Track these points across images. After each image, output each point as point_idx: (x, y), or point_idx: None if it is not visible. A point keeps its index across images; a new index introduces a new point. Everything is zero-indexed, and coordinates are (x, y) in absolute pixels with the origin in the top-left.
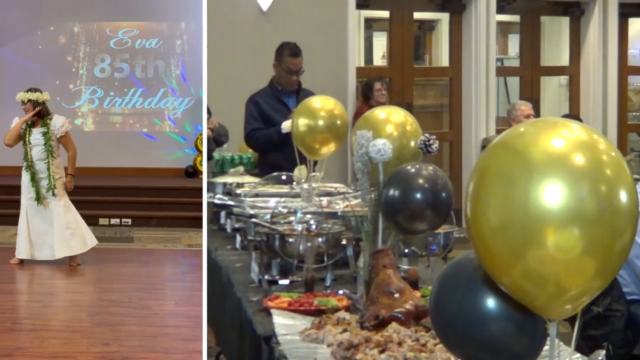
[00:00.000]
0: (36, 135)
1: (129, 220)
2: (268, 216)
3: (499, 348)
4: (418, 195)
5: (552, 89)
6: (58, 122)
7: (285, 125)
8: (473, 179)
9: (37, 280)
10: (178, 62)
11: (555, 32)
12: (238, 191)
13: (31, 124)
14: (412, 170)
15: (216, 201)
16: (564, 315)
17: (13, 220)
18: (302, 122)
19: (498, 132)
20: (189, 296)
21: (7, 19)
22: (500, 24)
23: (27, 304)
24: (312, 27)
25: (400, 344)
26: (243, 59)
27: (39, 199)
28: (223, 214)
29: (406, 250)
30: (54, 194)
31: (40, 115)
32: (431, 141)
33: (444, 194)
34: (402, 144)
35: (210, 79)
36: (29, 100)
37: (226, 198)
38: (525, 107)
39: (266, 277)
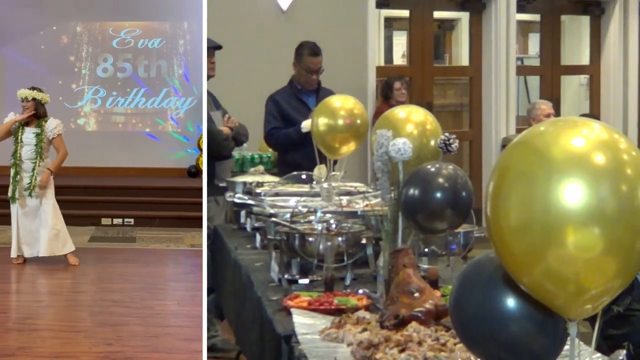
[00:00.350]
0: (29, 135)
1: (132, 220)
2: (288, 215)
3: (519, 347)
4: (438, 195)
5: (573, 88)
6: (52, 124)
7: (305, 125)
8: (493, 178)
9: (39, 280)
10: (181, 62)
11: (576, 31)
12: (258, 190)
13: (25, 123)
14: (432, 169)
15: (236, 200)
16: (584, 315)
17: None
18: (322, 122)
19: (518, 131)
20: (192, 296)
21: (9, 18)
22: (520, 23)
23: (29, 304)
24: (332, 27)
25: (420, 343)
26: (263, 58)
27: (13, 197)
28: (243, 213)
29: (426, 250)
30: (30, 195)
31: (38, 115)
32: (451, 140)
33: (464, 193)
34: (422, 143)
35: (230, 77)
36: (33, 99)
37: (246, 197)
38: (546, 107)
39: (286, 276)
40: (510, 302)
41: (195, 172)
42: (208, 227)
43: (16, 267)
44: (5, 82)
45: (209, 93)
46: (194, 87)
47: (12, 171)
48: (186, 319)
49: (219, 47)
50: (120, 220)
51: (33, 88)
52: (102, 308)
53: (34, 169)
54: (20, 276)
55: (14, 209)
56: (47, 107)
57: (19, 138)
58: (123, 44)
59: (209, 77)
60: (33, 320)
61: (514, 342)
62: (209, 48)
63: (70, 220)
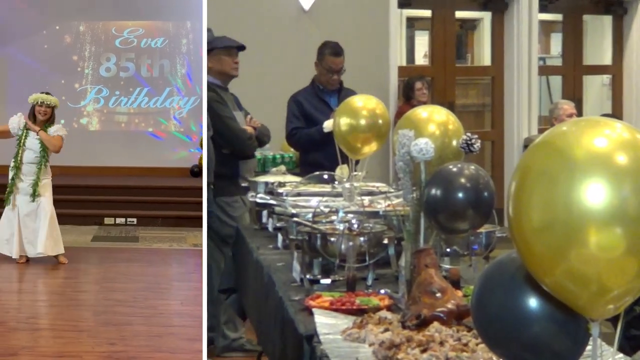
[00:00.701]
0: (32, 140)
1: (134, 220)
2: (310, 215)
3: (541, 348)
4: (460, 195)
5: (595, 88)
6: (53, 128)
7: (327, 125)
8: (515, 178)
9: (42, 280)
10: (184, 62)
11: (598, 31)
12: (280, 190)
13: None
14: (454, 169)
15: (258, 200)
16: (607, 315)
17: None
18: (344, 122)
19: (540, 131)
20: (195, 296)
21: (12, 17)
22: (542, 23)
23: (33, 303)
24: (353, 26)
25: (442, 343)
26: (285, 58)
27: (8, 199)
28: (265, 213)
29: (448, 250)
30: (33, 200)
31: (47, 121)
32: (473, 140)
33: (486, 194)
34: (444, 143)
35: (252, 77)
36: (54, 106)
37: (268, 197)
38: (568, 107)
39: (308, 276)
40: (532, 302)
41: (198, 171)
42: (232, 227)
43: (19, 266)
44: (8, 81)
45: (231, 93)
46: (196, 87)
47: (11, 173)
48: (189, 319)
49: (243, 48)
50: (123, 220)
51: (46, 93)
52: (105, 308)
53: (37, 175)
54: (23, 276)
55: (11, 210)
56: None
57: (23, 142)
58: (126, 44)
59: (232, 77)
60: (36, 319)
61: (536, 343)
62: (232, 48)
63: (73, 219)
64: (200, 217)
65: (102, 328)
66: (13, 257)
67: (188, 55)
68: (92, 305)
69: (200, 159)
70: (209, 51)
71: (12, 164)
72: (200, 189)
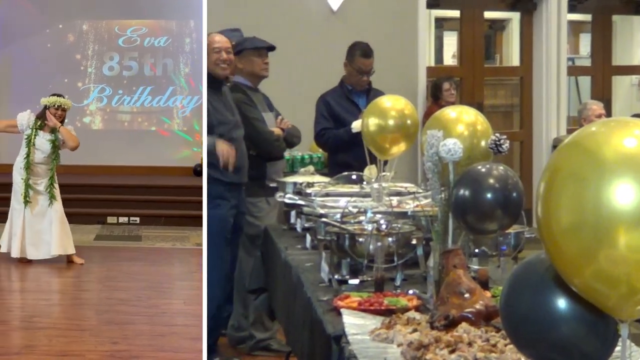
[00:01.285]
0: (42, 140)
1: (137, 219)
2: (338, 216)
3: (569, 349)
4: (489, 195)
5: (624, 88)
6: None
7: (356, 125)
8: (544, 179)
9: (44, 279)
10: (187, 60)
11: (627, 31)
12: (308, 191)
13: (40, 126)
14: (483, 170)
15: (286, 200)
16: (636, 316)
17: None
18: (373, 122)
19: (569, 132)
20: (198, 295)
21: (16, 17)
22: (571, 23)
23: (35, 302)
24: (382, 27)
25: (470, 344)
26: (313, 59)
27: (26, 201)
28: (293, 213)
29: (476, 250)
30: (51, 203)
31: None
32: (502, 141)
33: (514, 194)
34: (472, 144)
35: (280, 78)
36: (64, 108)
37: (296, 197)
38: (597, 107)
39: (336, 276)
40: (561, 303)
41: (201, 170)
42: (258, 227)
43: (22, 266)
44: (12, 80)
45: (262, 94)
46: (199, 86)
47: (25, 174)
48: (192, 318)
49: (273, 48)
50: (126, 219)
51: (58, 95)
52: (108, 307)
53: (51, 177)
54: (26, 275)
55: (21, 210)
56: None
57: (33, 142)
58: (129, 42)
59: (262, 77)
60: (39, 318)
61: (565, 343)
62: (263, 48)
63: (76, 218)
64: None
65: (104, 327)
66: (12, 256)
67: (191, 54)
68: (94, 304)
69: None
70: (238, 52)
71: (22, 164)
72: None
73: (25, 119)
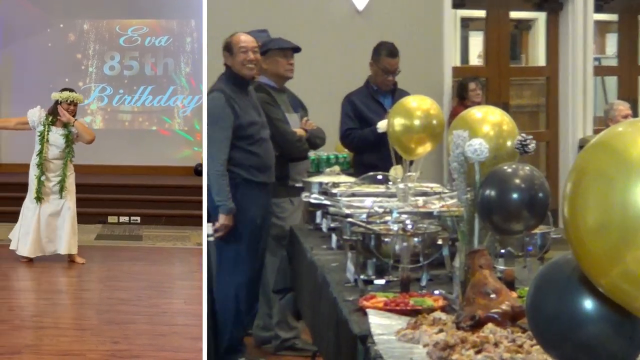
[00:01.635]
0: (56, 135)
1: (138, 219)
2: (364, 216)
3: (596, 350)
4: (515, 196)
5: None
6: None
7: (381, 125)
8: (570, 179)
9: (46, 278)
10: (188, 60)
11: None
12: (334, 191)
13: (52, 122)
14: (509, 170)
15: (312, 201)
16: None
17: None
18: (398, 122)
19: (595, 132)
20: (198, 295)
21: (17, 16)
22: (597, 23)
23: (36, 302)
24: (407, 27)
25: (496, 344)
26: (339, 59)
27: (39, 198)
28: (319, 213)
29: (502, 251)
30: (61, 197)
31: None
32: (528, 141)
33: (540, 194)
34: (498, 144)
35: (305, 78)
36: (76, 103)
37: (322, 198)
38: (623, 107)
39: (362, 276)
40: (588, 303)
41: (202, 170)
42: (282, 228)
43: (23, 265)
44: (13, 79)
45: (289, 94)
46: (200, 85)
47: (38, 171)
48: (193, 318)
49: (298, 49)
50: (126, 219)
51: (69, 90)
52: (109, 306)
53: (63, 170)
54: (27, 274)
55: (35, 208)
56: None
57: (46, 138)
58: (130, 42)
59: (287, 78)
60: (40, 318)
61: (591, 344)
62: (288, 49)
63: (77, 218)
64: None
65: (105, 327)
66: (22, 254)
67: (192, 54)
68: (95, 303)
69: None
70: (264, 52)
71: (36, 161)
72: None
73: (36, 115)
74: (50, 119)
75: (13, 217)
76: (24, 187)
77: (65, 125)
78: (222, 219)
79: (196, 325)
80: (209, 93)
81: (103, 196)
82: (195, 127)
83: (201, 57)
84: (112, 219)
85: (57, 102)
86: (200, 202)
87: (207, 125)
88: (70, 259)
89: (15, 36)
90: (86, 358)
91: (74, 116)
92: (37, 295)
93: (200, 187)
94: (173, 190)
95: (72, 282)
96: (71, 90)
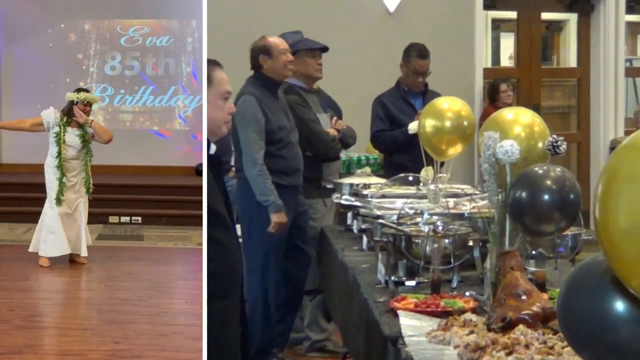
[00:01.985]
0: (72, 136)
1: (139, 219)
2: (395, 217)
3: (628, 352)
4: (546, 197)
5: None
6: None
7: (412, 126)
8: (602, 181)
9: (47, 278)
10: (189, 60)
11: None
12: (365, 192)
13: (67, 123)
14: (540, 171)
15: (343, 202)
16: None
17: (22, 217)
18: (429, 123)
19: (627, 133)
20: (199, 295)
21: (18, 16)
22: (629, 24)
23: (38, 302)
24: (438, 28)
25: (527, 346)
26: (370, 60)
27: (59, 200)
28: (350, 214)
29: (533, 252)
30: (89, 195)
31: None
32: (559, 142)
33: (572, 196)
34: (529, 145)
35: (336, 79)
36: (91, 104)
37: (353, 199)
38: None
39: (393, 278)
40: (619, 305)
41: (202, 170)
42: (315, 228)
43: (23, 265)
44: (14, 79)
45: (319, 95)
46: (202, 85)
47: (59, 173)
48: (194, 318)
49: (326, 49)
50: (127, 219)
51: (85, 90)
52: (110, 306)
53: (86, 171)
54: (28, 274)
55: (54, 211)
56: (58, 103)
57: (63, 139)
58: (131, 42)
59: (316, 79)
60: (41, 318)
61: (623, 346)
62: (316, 49)
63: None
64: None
65: (106, 327)
66: (56, 255)
67: (193, 54)
68: (96, 303)
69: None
70: (293, 53)
71: (55, 163)
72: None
73: (51, 116)
74: (65, 120)
75: (13, 217)
76: (24, 187)
77: (81, 126)
78: (275, 217)
79: (197, 325)
80: (239, 96)
81: (104, 196)
82: (197, 127)
83: (202, 57)
84: (113, 219)
85: (72, 103)
86: (201, 202)
87: (240, 128)
88: (71, 259)
89: (16, 36)
90: (87, 358)
91: (89, 117)
92: (37, 295)
93: (201, 187)
94: (174, 190)
95: (73, 282)
96: (87, 90)
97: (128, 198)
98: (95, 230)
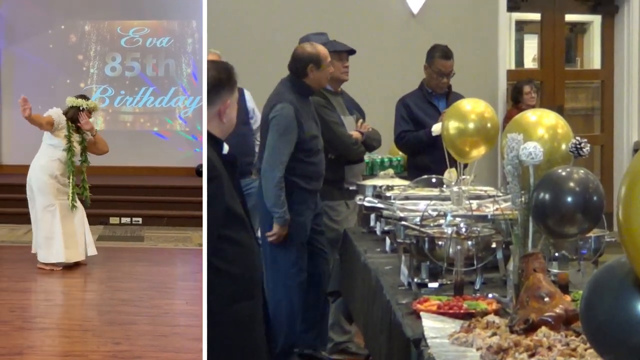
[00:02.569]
0: (77, 140)
1: (140, 219)
2: (418, 219)
3: None
4: (569, 199)
5: None
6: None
7: (436, 128)
8: (625, 183)
9: (47, 279)
10: (189, 61)
11: None
12: (388, 194)
13: (75, 129)
14: (563, 173)
15: (366, 204)
16: None
17: (23, 219)
18: (453, 125)
19: None
20: (200, 295)
21: (18, 17)
22: None
23: (38, 303)
24: (462, 30)
25: (550, 348)
26: (394, 61)
27: (74, 205)
28: (373, 216)
29: (556, 254)
30: (86, 205)
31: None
32: (582, 144)
33: (595, 198)
34: (552, 147)
35: (361, 81)
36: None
37: (376, 201)
38: None
39: (415, 280)
40: None
41: (202, 171)
42: (337, 231)
43: (24, 266)
44: (14, 80)
45: (344, 97)
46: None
47: (72, 178)
48: (195, 319)
49: (353, 52)
50: (128, 220)
51: (84, 97)
52: (111, 307)
53: (82, 173)
54: (29, 275)
55: (56, 212)
56: (58, 104)
57: (72, 145)
58: (131, 43)
59: (342, 81)
60: (42, 319)
61: None
62: (343, 52)
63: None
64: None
65: (107, 327)
66: (54, 261)
67: (193, 55)
68: (97, 304)
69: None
70: None
71: (68, 169)
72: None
73: (62, 118)
74: (72, 127)
75: (14, 219)
76: (25, 188)
77: (79, 131)
78: (277, 229)
79: (198, 326)
80: (277, 102)
81: (104, 197)
82: (197, 128)
83: (202, 58)
84: (113, 220)
85: (78, 109)
86: (202, 202)
87: (272, 134)
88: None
89: (16, 36)
90: (88, 359)
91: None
92: (38, 296)
93: (202, 188)
94: (174, 191)
95: (73, 283)
96: (86, 97)
97: (129, 199)
98: (96, 231)
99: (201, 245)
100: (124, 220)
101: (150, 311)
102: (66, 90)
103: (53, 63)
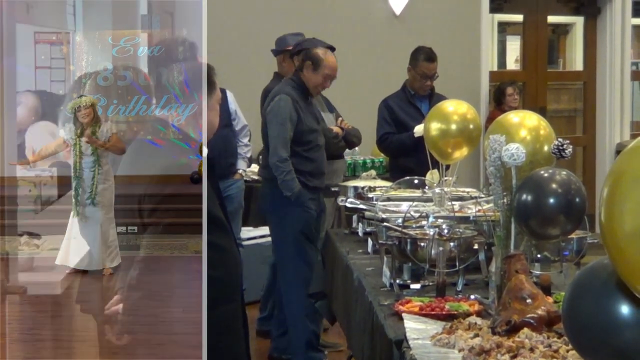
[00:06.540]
0: (84, 144)
1: (135, 228)
2: (400, 220)
3: (633, 355)
4: (551, 200)
5: None
6: (104, 128)
7: (418, 130)
8: (607, 184)
9: (43, 289)
10: (181, 69)
11: None
12: (370, 195)
13: (80, 133)
14: (546, 175)
15: (348, 205)
16: None
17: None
18: (435, 126)
19: (633, 136)
20: (197, 303)
21: (9, 27)
22: (635, 27)
23: (34, 314)
24: (445, 31)
25: (532, 349)
26: (375, 63)
27: (78, 212)
28: (355, 217)
29: (539, 256)
30: (93, 203)
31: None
32: (565, 146)
33: (577, 199)
34: (535, 149)
35: (342, 81)
36: (92, 105)
37: (358, 202)
38: None
39: (398, 281)
40: (624, 309)
41: (197, 178)
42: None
43: (16, 275)
44: (6, 92)
45: (322, 95)
46: (194, 94)
47: (74, 184)
48: (192, 326)
49: (332, 49)
50: (123, 229)
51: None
52: (106, 316)
53: (93, 177)
54: (24, 285)
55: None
56: (56, 114)
57: (78, 150)
58: (123, 52)
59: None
60: (38, 330)
61: (628, 350)
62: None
63: None
64: (202, 224)
65: (103, 338)
66: (91, 269)
67: (185, 62)
68: (93, 314)
69: (200, 165)
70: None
71: (73, 175)
72: (201, 195)
73: (71, 132)
74: (77, 131)
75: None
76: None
77: (92, 131)
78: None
79: (195, 333)
80: (274, 95)
81: None
82: (190, 135)
83: (194, 66)
84: None
85: (76, 110)
86: (197, 209)
87: (272, 125)
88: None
89: (6, 47)
90: None
91: (93, 118)
92: (34, 307)
93: (197, 195)
94: (169, 198)
95: (69, 293)
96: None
97: (123, 208)
98: None
99: (197, 252)
100: (119, 229)
101: (146, 320)
102: (59, 102)
103: (45, 74)
